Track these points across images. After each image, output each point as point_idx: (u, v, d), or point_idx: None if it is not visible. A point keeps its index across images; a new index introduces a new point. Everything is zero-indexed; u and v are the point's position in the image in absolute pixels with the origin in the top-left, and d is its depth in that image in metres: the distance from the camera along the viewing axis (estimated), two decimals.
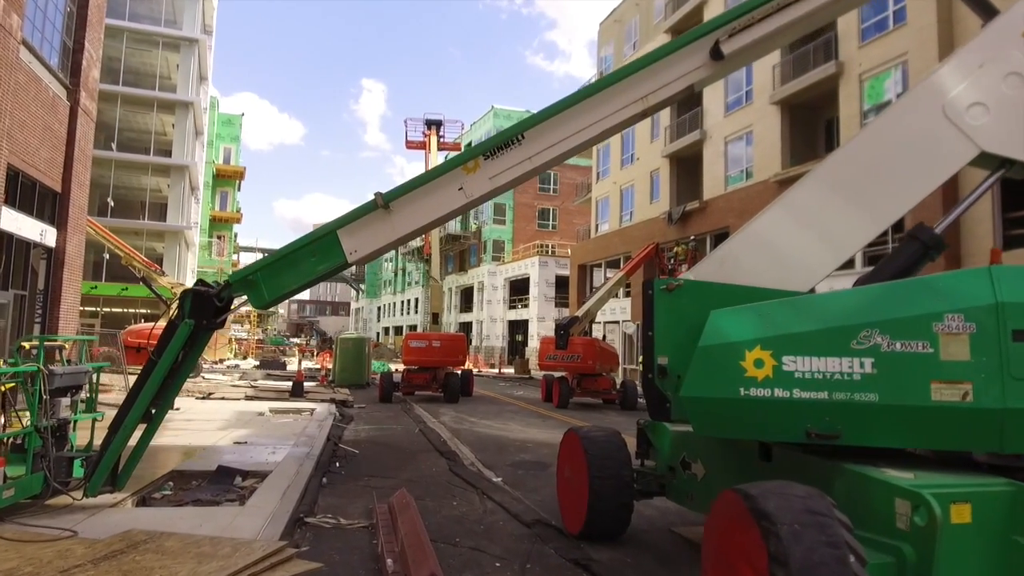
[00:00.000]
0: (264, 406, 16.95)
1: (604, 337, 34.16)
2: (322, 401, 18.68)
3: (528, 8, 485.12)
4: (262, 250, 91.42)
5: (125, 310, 33.15)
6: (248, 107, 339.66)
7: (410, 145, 28.56)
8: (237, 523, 5.79)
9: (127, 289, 30.10)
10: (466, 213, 59.78)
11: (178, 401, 17.40)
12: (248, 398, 18.87)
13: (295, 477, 8.02)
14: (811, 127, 26.23)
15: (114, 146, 32.99)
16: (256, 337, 61.36)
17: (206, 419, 13.62)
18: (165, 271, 28.81)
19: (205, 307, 5.93)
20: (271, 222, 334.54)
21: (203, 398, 18.25)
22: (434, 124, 28.04)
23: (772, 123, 26.13)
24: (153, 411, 6.19)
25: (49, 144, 13.63)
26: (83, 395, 7.06)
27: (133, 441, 6.32)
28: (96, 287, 30.55)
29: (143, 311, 31.81)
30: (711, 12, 29.78)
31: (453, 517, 6.76)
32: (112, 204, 35.25)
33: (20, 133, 12.26)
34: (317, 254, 5.72)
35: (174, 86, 34.14)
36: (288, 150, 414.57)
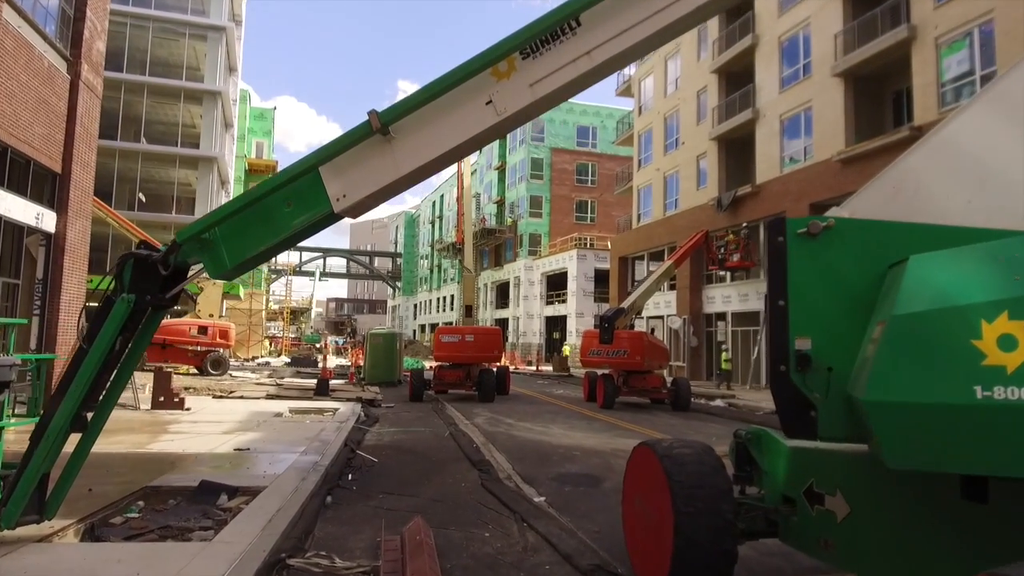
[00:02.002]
0: (284, 406, 15.66)
1: (653, 331, 32.27)
2: (347, 400, 17.32)
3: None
4: (302, 248, 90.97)
5: None
6: (287, 110, 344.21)
7: None
8: (190, 569, 4.28)
9: None
10: (502, 207, 58.24)
11: (193, 400, 16.23)
12: (269, 397, 17.62)
13: (292, 496, 6.51)
14: (878, 100, 23.94)
15: (143, 139, 32.30)
16: (292, 335, 60.93)
17: (215, 420, 12.30)
18: None
19: (148, 278, 4.41)
20: None
21: (219, 397, 17.04)
22: None
23: (834, 97, 23.89)
24: (89, 416, 4.68)
25: (45, 119, 12.44)
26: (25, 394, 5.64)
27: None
28: None
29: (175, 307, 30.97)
30: None
31: (483, 557, 5.15)
32: (143, 199, 34.67)
33: (7, 104, 11.07)
34: (293, 201, 4.15)
35: (202, 77, 33.31)
36: None
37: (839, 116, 23.65)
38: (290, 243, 4.34)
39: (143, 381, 15.17)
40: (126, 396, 13.99)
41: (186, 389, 18.95)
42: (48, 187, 13.16)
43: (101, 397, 4.74)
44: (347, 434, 11.17)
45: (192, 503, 6.57)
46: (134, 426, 11.26)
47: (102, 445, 9.30)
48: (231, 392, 18.45)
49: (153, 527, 5.81)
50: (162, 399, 13.63)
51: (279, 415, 13.81)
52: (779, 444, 4.29)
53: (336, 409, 15.16)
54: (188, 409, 13.72)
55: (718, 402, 20.51)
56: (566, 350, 46.70)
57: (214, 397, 16.94)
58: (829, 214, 3.24)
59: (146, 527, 5.80)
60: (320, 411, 14.94)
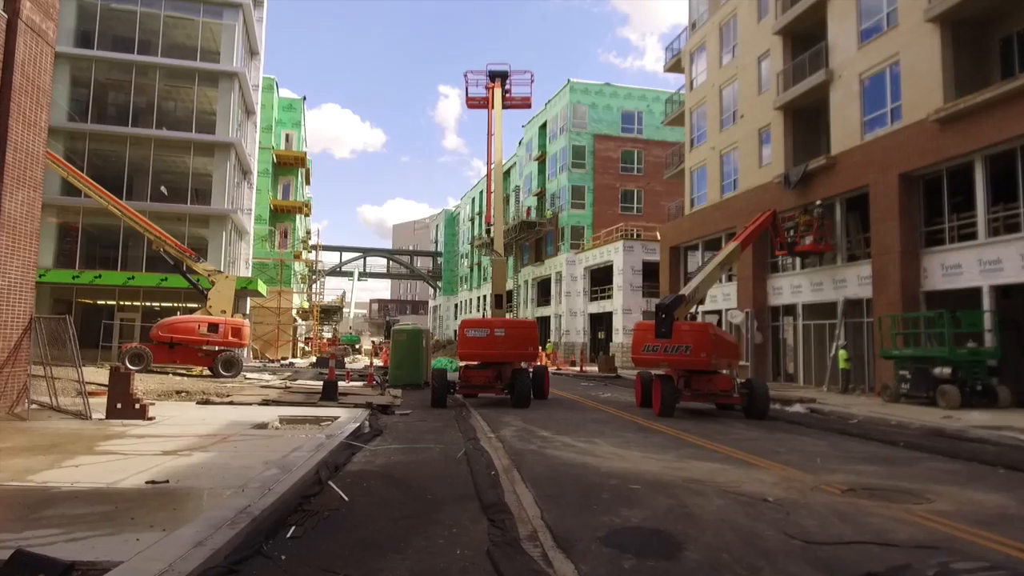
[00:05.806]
0: (277, 413, 13.10)
1: (719, 322, 28.78)
2: (356, 406, 14.65)
3: (598, 7, 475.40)
4: (342, 248, 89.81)
5: (174, 304, 30.53)
6: (333, 116, 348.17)
7: (471, 103, 24.05)
8: None
9: (166, 279, 27.32)
10: (542, 199, 55.23)
11: (171, 407, 13.64)
12: (265, 402, 15.06)
13: None
14: (981, 49, 20.14)
15: (163, 127, 30.40)
16: (326, 335, 59.13)
17: (169, 435, 9.70)
18: (204, 258, 25.76)
19: None
20: (357, 226, 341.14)
21: (204, 402, 14.54)
22: (499, 76, 23.44)
23: (927, 47, 20.17)
24: None
25: None
26: None
27: None
28: (133, 278, 27.97)
29: (191, 304, 28.94)
30: None
31: None
32: (165, 192, 32.84)
33: None
34: None
35: (219, 59, 31.20)
36: (370, 157, 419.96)
37: (935, 69, 19.94)
38: None
39: (96, 379, 12.73)
40: (75, 402, 11.54)
41: (178, 393, 16.63)
42: None
43: None
44: (326, 455, 8.42)
45: None
46: (55, 441, 8.71)
47: None
48: (226, 396, 16.00)
49: None
50: (119, 406, 11.14)
51: (261, 426, 11.20)
52: None
53: (335, 418, 12.51)
54: (151, 419, 11.19)
55: (797, 407, 17.17)
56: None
57: (198, 403, 14.45)
58: None
59: None
60: (317, 420, 12.33)
